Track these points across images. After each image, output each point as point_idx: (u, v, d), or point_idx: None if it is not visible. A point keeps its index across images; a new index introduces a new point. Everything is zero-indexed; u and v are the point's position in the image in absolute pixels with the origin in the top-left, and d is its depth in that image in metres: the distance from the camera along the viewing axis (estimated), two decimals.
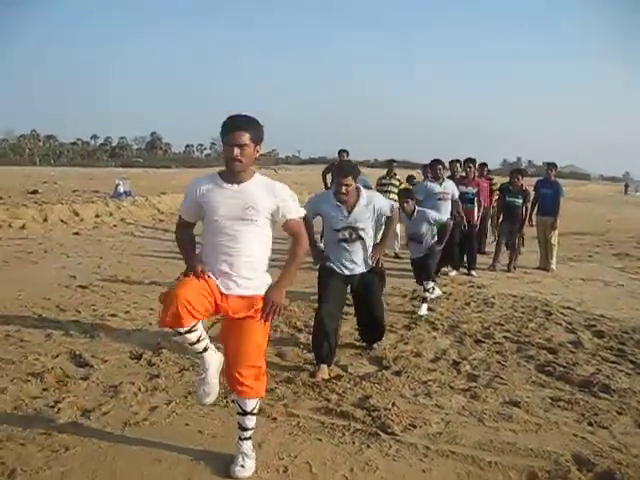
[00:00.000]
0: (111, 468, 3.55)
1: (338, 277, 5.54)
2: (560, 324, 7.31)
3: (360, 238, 5.51)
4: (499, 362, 5.76)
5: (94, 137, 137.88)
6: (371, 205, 5.50)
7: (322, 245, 6.16)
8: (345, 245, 5.51)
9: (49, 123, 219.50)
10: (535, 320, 7.42)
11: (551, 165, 11.63)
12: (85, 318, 6.90)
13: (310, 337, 6.16)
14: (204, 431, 4.15)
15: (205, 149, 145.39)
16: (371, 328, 5.96)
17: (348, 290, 5.70)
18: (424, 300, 7.66)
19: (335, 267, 5.56)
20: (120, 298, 7.90)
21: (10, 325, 6.53)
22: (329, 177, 13.29)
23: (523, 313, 7.77)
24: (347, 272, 5.56)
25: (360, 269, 5.60)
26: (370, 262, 5.63)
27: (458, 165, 11.13)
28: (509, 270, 11.11)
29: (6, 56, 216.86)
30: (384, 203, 5.73)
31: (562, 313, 7.87)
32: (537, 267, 11.53)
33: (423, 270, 7.86)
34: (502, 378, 5.30)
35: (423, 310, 7.53)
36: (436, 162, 9.72)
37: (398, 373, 5.33)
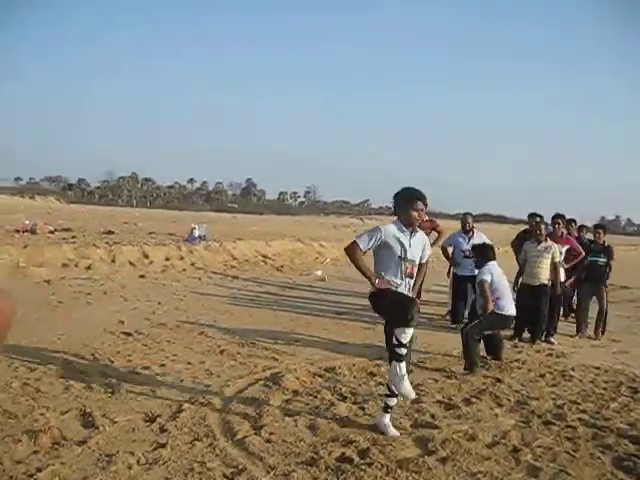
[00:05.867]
0: None
1: None
2: None
3: None
4: (568, 452, 4.84)
5: (191, 181, 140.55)
6: None
7: None
8: None
9: (149, 166, 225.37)
10: (618, 399, 6.43)
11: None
12: (115, 369, 6.41)
13: (355, 408, 5.49)
14: None
15: (299, 197, 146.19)
16: None
17: None
18: (383, 407, 5.21)
19: None
20: (161, 348, 7.39)
21: (33, 372, 6.13)
22: None
23: (605, 390, 6.79)
24: None
25: None
26: None
27: (538, 219, 10.26)
28: (596, 338, 10.06)
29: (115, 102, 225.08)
30: None
31: None
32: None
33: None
34: (569, 474, 4.41)
35: (379, 421, 5.12)
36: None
37: (444, 460, 4.50)
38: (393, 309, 4.93)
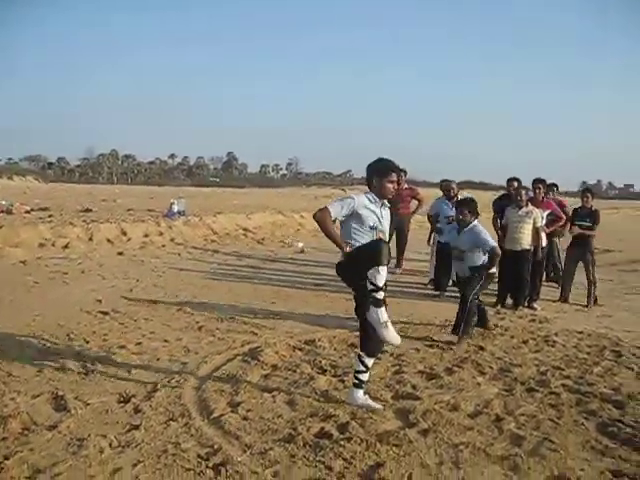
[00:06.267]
0: None
1: None
2: (631, 368, 6.26)
3: None
4: (552, 419, 4.76)
5: (172, 156, 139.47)
6: None
7: None
8: None
9: (130, 143, 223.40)
10: (602, 364, 6.37)
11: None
12: (90, 350, 6.25)
13: (335, 381, 5.37)
14: None
15: (281, 169, 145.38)
16: None
17: None
18: (356, 383, 4.98)
19: None
20: (138, 326, 7.24)
21: (6, 355, 5.94)
22: None
23: (588, 354, 6.73)
24: None
25: None
26: None
27: (515, 184, 10.19)
28: (587, 306, 9.77)
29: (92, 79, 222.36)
30: None
31: (635, 354, 6.80)
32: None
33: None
34: (553, 442, 4.31)
35: (356, 397, 4.93)
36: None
37: (425, 432, 4.40)
38: (362, 255, 4.69)
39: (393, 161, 5.02)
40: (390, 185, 4.88)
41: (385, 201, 4.95)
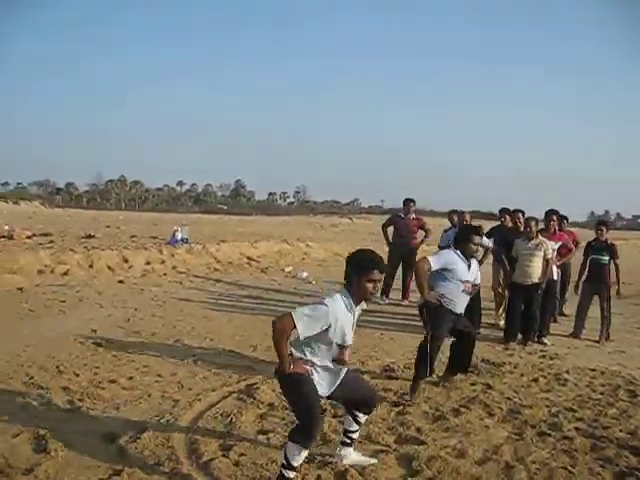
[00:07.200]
0: None
1: None
2: None
3: None
4: (565, 467, 4.44)
5: (180, 183, 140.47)
6: None
7: None
8: None
9: (138, 169, 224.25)
10: (617, 405, 6.07)
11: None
12: (79, 384, 5.97)
13: (334, 422, 5.07)
14: None
15: (288, 197, 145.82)
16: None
17: None
18: (347, 442, 4.48)
19: None
20: (132, 360, 6.95)
21: None
22: (391, 230, 12.19)
23: (602, 394, 6.41)
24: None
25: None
26: None
27: (521, 215, 10.01)
28: (599, 341, 9.44)
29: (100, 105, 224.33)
30: None
31: None
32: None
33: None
34: None
35: (346, 455, 4.45)
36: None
37: None
38: (299, 410, 3.98)
39: (376, 255, 4.32)
40: (370, 285, 4.03)
41: (362, 304, 4.19)
